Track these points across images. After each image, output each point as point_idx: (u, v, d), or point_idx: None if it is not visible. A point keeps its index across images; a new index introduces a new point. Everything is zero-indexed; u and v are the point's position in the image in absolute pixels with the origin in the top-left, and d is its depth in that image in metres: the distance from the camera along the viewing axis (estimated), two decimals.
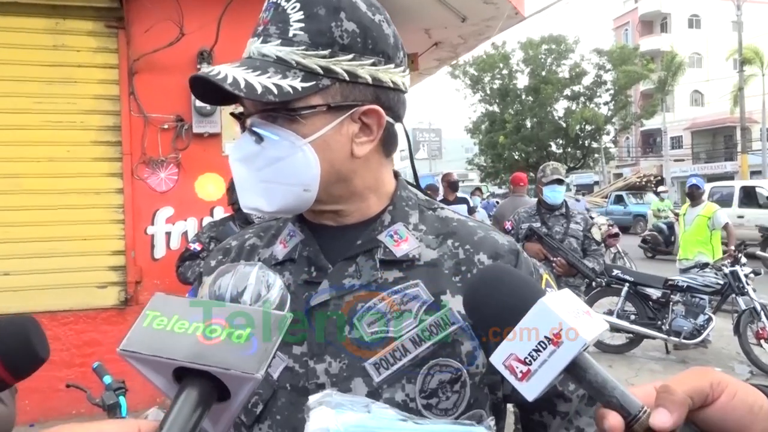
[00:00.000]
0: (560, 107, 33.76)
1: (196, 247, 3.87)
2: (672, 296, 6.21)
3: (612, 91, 32.33)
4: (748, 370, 5.81)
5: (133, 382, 3.98)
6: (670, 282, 6.22)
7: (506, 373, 0.62)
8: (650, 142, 44.74)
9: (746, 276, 5.95)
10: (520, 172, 7.29)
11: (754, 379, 5.63)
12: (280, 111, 0.80)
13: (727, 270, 6.04)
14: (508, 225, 4.72)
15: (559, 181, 4.51)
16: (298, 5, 0.80)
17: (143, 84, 4.62)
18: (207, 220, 4.69)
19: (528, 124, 33.40)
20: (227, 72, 0.77)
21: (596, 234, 4.57)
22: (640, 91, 39.11)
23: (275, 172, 0.81)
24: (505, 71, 33.73)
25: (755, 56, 28.93)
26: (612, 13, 52.95)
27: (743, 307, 5.88)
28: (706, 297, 6.10)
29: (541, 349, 0.60)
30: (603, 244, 5.12)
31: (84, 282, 4.54)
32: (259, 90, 0.76)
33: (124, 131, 4.62)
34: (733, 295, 6.02)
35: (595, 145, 33.85)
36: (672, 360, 6.30)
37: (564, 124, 32.51)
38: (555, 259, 4.32)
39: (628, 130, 38.67)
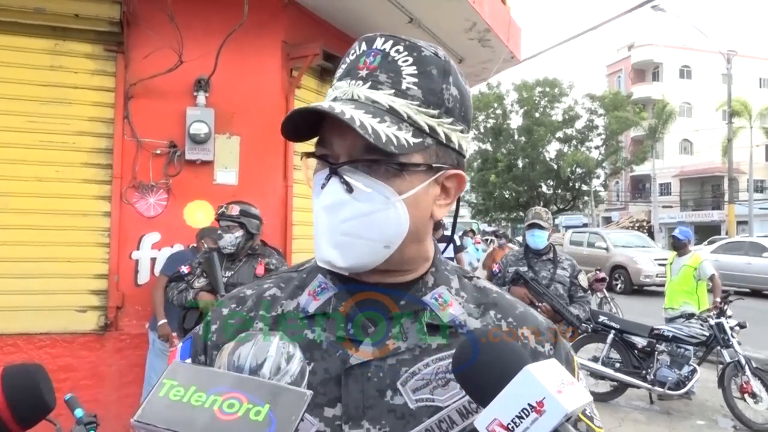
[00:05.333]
0: (552, 149, 34.22)
1: (184, 269, 3.94)
2: (657, 345, 6.19)
3: (603, 136, 32.84)
4: (731, 425, 5.76)
5: (105, 412, 3.88)
6: (655, 331, 6.20)
7: None
8: (639, 188, 45.30)
9: (731, 328, 5.95)
10: None
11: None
12: (385, 164, 0.76)
13: (712, 321, 6.04)
14: (495, 268, 4.72)
15: (539, 227, 4.51)
16: (410, 59, 0.78)
17: (138, 108, 4.63)
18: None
19: (520, 164, 33.78)
20: (351, 113, 0.73)
21: (583, 281, 4.56)
22: (631, 137, 39.77)
23: (360, 225, 0.77)
24: (499, 111, 34.22)
25: (743, 109, 29.60)
26: (606, 60, 54.17)
27: (728, 359, 5.87)
28: (691, 348, 6.08)
29: (524, 416, 0.60)
30: (590, 291, 5.09)
31: (64, 305, 4.45)
32: (384, 138, 0.74)
33: (116, 154, 4.61)
34: (719, 347, 6.01)
35: (585, 187, 34.22)
36: (656, 410, 6.24)
37: (555, 166, 32.88)
38: (540, 304, 4.30)
39: (618, 175, 39.17)
